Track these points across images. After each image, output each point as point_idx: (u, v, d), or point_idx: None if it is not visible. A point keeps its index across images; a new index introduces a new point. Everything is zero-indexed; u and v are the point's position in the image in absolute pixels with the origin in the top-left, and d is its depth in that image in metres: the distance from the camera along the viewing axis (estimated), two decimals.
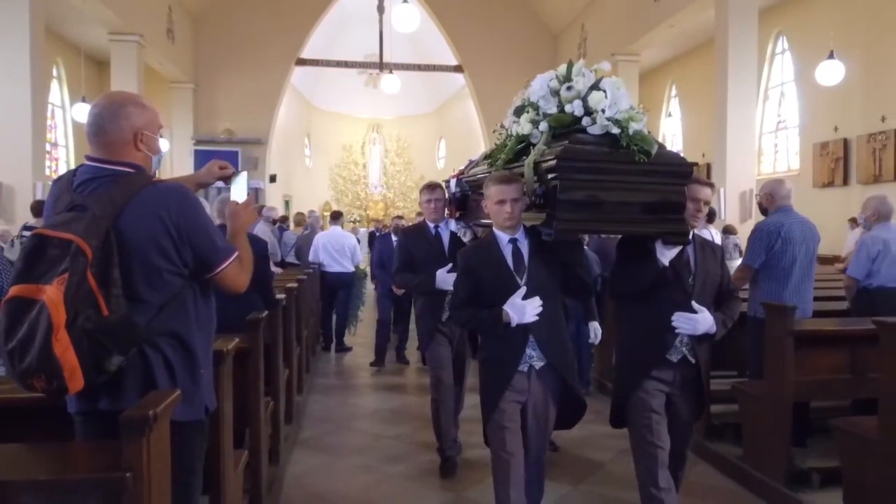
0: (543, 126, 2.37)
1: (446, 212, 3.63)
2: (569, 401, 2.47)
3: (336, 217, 7.47)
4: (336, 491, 3.38)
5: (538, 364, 2.37)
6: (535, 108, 2.41)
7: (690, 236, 2.43)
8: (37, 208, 5.85)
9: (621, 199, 2.25)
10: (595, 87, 2.30)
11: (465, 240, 3.48)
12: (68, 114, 13.36)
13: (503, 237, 2.41)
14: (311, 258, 7.16)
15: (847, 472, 2.86)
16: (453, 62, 15.38)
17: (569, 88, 2.31)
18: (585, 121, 2.27)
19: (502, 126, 2.72)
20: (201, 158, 13.86)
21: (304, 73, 15.89)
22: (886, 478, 2.63)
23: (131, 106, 1.74)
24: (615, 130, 2.21)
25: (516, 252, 2.39)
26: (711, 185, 2.57)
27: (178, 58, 13.20)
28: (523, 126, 2.44)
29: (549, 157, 2.21)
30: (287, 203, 16.67)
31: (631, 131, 2.21)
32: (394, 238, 6.40)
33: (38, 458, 1.50)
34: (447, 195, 3.59)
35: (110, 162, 1.71)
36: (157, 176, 1.91)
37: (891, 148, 9.57)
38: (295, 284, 4.68)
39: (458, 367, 3.67)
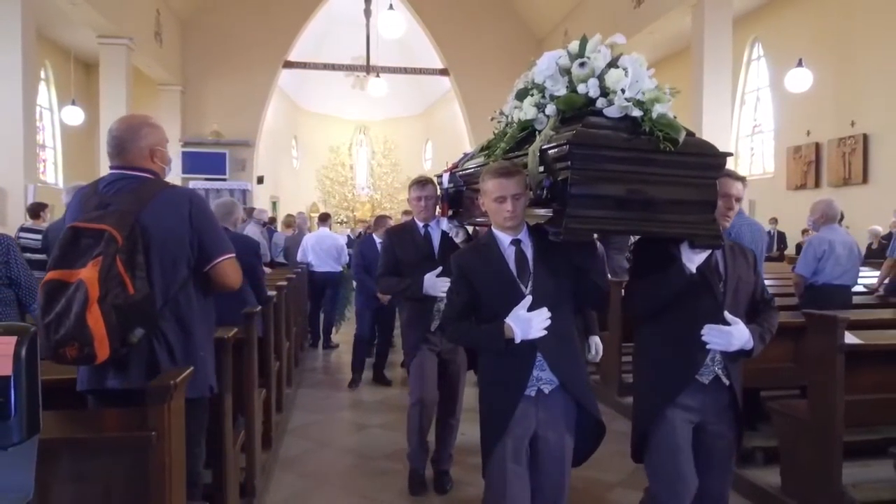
0: (551, 109, 2.09)
1: (438, 210, 3.35)
2: (584, 428, 2.14)
3: (324, 219, 7.77)
4: (323, 473, 3.68)
5: (547, 387, 2.06)
6: (541, 89, 2.13)
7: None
8: (33, 210, 6.09)
9: (643, 194, 1.96)
10: (613, 64, 2.03)
11: (458, 240, 3.22)
12: (56, 115, 13.52)
13: (504, 238, 2.11)
14: (299, 258, 7.46)
15: (783, 449, 3.21)
16: (439, 65, 15.69)
17: (582, 65, 2.03)
18: (601, 102, 1.99)
19: (501, 113, 2.45)
20: (189, 160, 14.07)
21: (292, 74, 16.11)
22: (816, 453, 2.98)
23: (146, 127, 2.08)
24: (636, 113, 1.93)
25: (520, 255, 2.09)
26: (743, 180, 2.30)
27: (165, 60, 13.39)
28: (527, 110, 2.16)
29: (558, 144, 1.93)
30: (274, 204, 16.88)
31: (654, 115, 1.93)
32: (377, 239, 5.84)
33: (75, 421, 1.80)
34: (439, 192, 3.34)
35: (133, 168, 2.05)
36: None
37: (859, 152, 10.03)
38: (284, 283, 4.97)
39: (448, 382, 3.35)
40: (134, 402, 1.88)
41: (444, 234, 3.33)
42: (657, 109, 1.94)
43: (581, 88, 2.02)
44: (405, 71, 15.85)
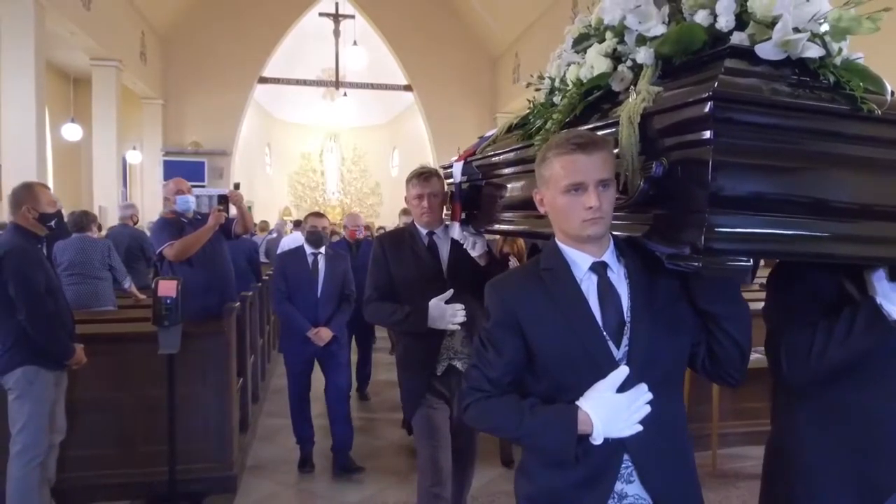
0: (645, 56, 1.41)
1: (446, 212, 2.69)
2: None
3: (297, 224, 9.93)
4: None
5: None
6: (618, 31, 1.49)
7: None
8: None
9: (831, 191, 1.25)
10: None
11: (474, 254, 2.56)
12: (47, 130, 15.38)
13: (580, 260, 1.39)
14: None
15: None
16: (403, 82, 17.85)
17: None
18: (737, 38, 1.27)
19: (540, 77, 1.91)
20: (170, 169, 15.99)
21: (266, 86, 18.15)
22: None
23: (164, 188, 4.17)
24: (813, 53, 1.21)
25: (607, 292, 1.37)
26: None
27: (149, 77, 15.34)
28: (595, 63, 1.53)
29: (680, 102, 1.20)
30: (249, 208, 18.74)
31: (838, 58, 1.25)
32: (309, 251, 4.29)
33: (190, 324, 3.90)
34: (447, 189, 2.68)
35: None
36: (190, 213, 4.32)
37: None
38: (266, 278, 7.10)
39: (462, 440, 2.72)
40: None
41: (455, 245, 2.65)
42: (842, 49, 1.29)
43: (700, 17, 1.34)
44: (371, 86, 18.00)
